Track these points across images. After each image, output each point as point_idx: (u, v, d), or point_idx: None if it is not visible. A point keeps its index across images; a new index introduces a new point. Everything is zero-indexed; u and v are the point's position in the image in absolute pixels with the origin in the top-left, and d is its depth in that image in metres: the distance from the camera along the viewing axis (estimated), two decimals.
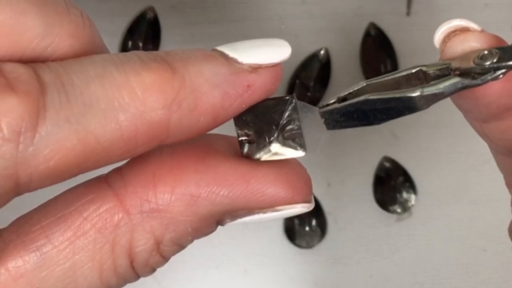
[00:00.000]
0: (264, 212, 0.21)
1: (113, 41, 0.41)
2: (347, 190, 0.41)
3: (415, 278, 0.41)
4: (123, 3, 0.41)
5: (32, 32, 0.19)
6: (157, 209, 0.20)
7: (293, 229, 0.41)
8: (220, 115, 0.20)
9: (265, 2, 0.42)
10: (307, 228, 0.41)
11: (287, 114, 0.21)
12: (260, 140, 0.21)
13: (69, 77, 0.19)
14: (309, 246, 0.41)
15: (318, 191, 0.41)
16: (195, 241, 0.22)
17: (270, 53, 0.21)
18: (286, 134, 0.21)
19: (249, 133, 0.21)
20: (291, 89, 0.41)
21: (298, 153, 0.21)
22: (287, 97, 0.21)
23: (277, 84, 0.21)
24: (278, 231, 0.41)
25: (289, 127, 0.21)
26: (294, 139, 0.21)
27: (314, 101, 0.41)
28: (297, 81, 0.41)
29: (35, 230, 0.20)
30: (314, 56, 0.41)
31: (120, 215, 0.20)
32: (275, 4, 0.42)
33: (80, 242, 0.20)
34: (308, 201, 0.21)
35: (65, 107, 0.18)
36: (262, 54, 0.21)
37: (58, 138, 0.18)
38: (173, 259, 0.23)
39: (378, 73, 0.41)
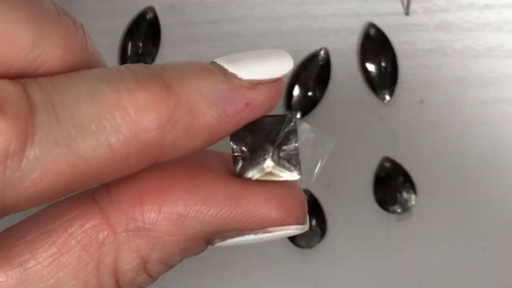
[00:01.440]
0: (255, 233, 0.21)
1: (112, 42, 0.41)
2: (347, 190, 0.41)
3: (415, 278, 0.41)
4: (123, 3, 0.41)
5: (21, 42, 0.19)
6: (144, 227, 0.20)
7: None
8: (217, 134, 0.20)
9: (265, 2, 0.42)
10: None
11: (284, 133, 0.21)
12: (255, 157, 0.21)
13: (60, 97, 0.18)
14: (309, 246, 0.41)
15: (318, 191, 0.41)
16: None
17: (271, 67, 0.20)
18: (281, 154, 0.21)
19: (244, 149, 0.21)
20: (290, 89, 0.41)
21: (292, 176, 0.21)
22: (287, 116, 0.21)
23: (278, 100, 0.21)
24: None
25: (286, 146, 0.21)
26: (289, 160, 0.21)
27: (314, 102, 0.41)
28: (297, 82, 0.41)
29: (19, 245, 0.20)
30: (314, 56, 0.41)
31: (105, 233, 0.20)
32: (275, 4, 0.42)
33: (64, 259, 0.19)
34: (302, 223, 0.21)
35: (55, 130, 0.18)
36: (263, 68, 0.20)
37: (47, 162, 0.18)
38: None
39: (378, 73, 0.41)
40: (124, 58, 0.41)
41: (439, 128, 0.41)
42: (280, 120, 0.20)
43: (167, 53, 0.41)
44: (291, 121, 0.20)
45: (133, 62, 0.40)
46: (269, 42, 0.41)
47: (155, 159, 0.19)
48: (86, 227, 0.20)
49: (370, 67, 0.41)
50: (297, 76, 0.41)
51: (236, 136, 0.21)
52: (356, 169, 0.41)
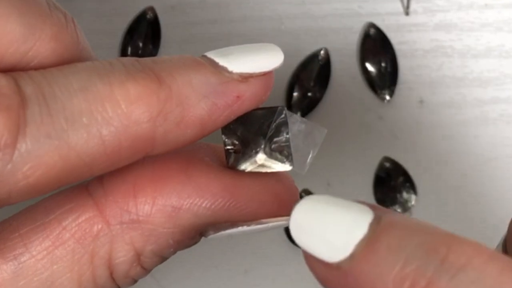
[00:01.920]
0: (249, 225, 0.21)
1: (112, 42, 0.41)
2: (347, 190, 0.41)
3: None
4: (123, 3, 0.41)
5: (12, 36, 0.19)
6: (138, 220, 0.20)
7: None
8: (208, 127, 0.20)
9: (265, 2, 0.42)
10: None
11: (275, 125, 0.21)
12: (247, 150, 0.21)
13: (52, 90, 0.18)
14: None
15: (318, 191, 0.41)
16: None
17: (262, 60, 0.20)
18: (273, 146, 0.21)
19: (236, 142, 0.21)
20: (290, 89, 0.41)
21: (284, 167, 0.21)
22: (278, 108, 0.21)
23: (268, 94, 0.21)
24: (278, 230, 0.41)
25: (277, 138, 0.21)
26: (281, 152, 0.21)
27: (314, 102, 0.41)
28: (297, 82, 0.41)
29: (13, 238, 0.20)
30: (314, 56, 0.41)
31: (100, 226, 0.20)
32: (275, 4, 0.42)
33: (58, 252, 0.20)
34: None
35: (46, 122, 0.18)
36: (253, 62, 0.20)
37: (38, 155, 0.18)
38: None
39: (378, 73, 0.41)
40: None
41: (439, 128, 0.41)
42: (271, 112, 0.21)
43: (167, 53, 0.41)
44: (282, 113, 0.21)
45: None
46: (269, 42, 0.41)
47: (147, 151, 0.19)
48: (80, 220, 0.20)
49: (370, 67, 0.41)
50: (297, 76, 0.41)
51: (228, 129, 0.21)
52: (356, 169, 0.41)
